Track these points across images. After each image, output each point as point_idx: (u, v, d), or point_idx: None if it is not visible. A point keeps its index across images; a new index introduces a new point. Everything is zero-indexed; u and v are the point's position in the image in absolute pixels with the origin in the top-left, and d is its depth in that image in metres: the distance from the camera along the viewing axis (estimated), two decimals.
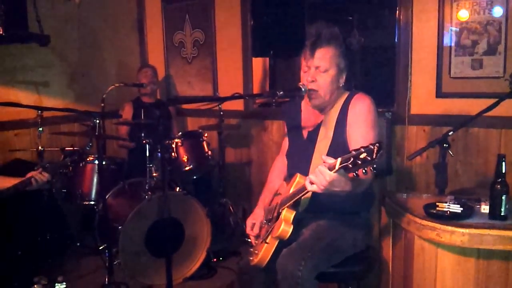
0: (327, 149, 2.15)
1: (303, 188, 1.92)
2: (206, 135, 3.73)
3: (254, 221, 2.33)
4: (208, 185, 4.22)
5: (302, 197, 2.00)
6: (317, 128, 2.25)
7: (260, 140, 4.23)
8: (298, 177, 2.13)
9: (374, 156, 1.61)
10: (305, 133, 2.31)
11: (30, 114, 3.32)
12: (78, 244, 3.76)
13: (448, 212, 2.16)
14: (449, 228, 2.04)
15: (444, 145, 2.46)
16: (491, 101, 2.49)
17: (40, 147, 3.23)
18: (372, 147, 1.62)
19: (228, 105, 3.99)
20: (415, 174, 3.40)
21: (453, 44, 3.17)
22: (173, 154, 3.54)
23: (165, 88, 4.76)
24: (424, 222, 2.13)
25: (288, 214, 2.06)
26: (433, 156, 3.17)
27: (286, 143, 2.46)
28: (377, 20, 4.83)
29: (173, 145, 3.56)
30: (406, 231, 2.33)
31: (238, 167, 4.36)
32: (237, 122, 4.30)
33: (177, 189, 3.34)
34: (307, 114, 2.34)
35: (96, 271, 3.39)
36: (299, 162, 2.26)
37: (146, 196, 3.15)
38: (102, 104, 3.69)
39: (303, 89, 2.14)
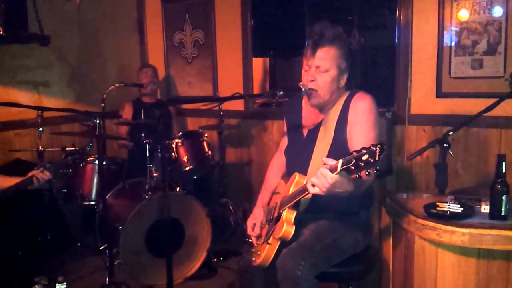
0: (328, 149, 2.15)
1: (304, 189, 1.92)
2: (206, 135, 3.73)
3: (255, 222, 2.33)
4: (209, 185, 4.22)
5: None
6: (317, 127, 2.24)
7: (260, 140, 4.23)
8: (298, 177, 2.13)
9: (376, 158, 1.60)
10: (305, 132, 2.31)
11: (31, 114, 3.32)
12: (79, 244, 3.76)
13: (449, 212, 2.16)
14: (450, 228, 2.04)
15: (444, 145, 2.46)
16: (491, 101, 2.50)
17: (40, 147, 3.23)
18: (374, 148, 1.61)
19: (228, 105, 3.99)
20: (415, 174, 3.40)
21: (453, 44, 3.18)
22: (173, 154, 3.55)
23: (165, 88, 4.77)
24: (425, 222, 2.13)
25: (289, 215, 2.06)
26: (433, 156, 3.17)
27: (285, 140, 2.45)
28: (377, 20, 4.82)
29: (173, 145, 3.56)
30: (406, 231, 2.33)
31: (238, 167, 4.36)
32: (237, 122, 4.30)
33: (178, 189, 3.34)
34: (308, 112, 2.33)
35: (96, 271, 3.39)
36: (298, 160, 2.26)
37: (147, 196, 3.15)
38: (103, 104, 3.69)
39: (303, 89, 2.13)
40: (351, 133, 2.13)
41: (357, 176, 1.68)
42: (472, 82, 3.14)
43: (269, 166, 2.53)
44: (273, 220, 2.18)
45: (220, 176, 3.98)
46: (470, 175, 3.19)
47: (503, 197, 2.06)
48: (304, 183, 2.05)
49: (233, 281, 3.15)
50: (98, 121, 3.02)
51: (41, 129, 3.19)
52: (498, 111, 2.54)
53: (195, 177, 3.98)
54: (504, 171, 2.07)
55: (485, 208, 2.18)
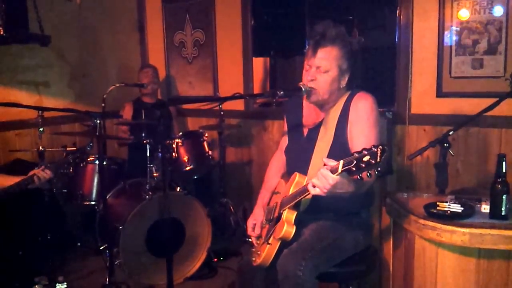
0: (328, 148, 2.14)
1: (304, 190, 1.91)
2: (206, 135, 3.73)
3: (255, 222, 2.32)
4: (209, 185, 4.22)
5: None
6: (317, 127, 2.23)
7: (261, 140, 4.23)
8: (298, 177, 2.13)
9: (378, 159, 1.60)
10: (305, 131, 2.30)
11: (31, 114, 3.32)
12: (79, 244, 3.76)
13: (449, 211, 2.16)
14: (450, 227, 2.04)
15: (445, 144, 2.46)
16: (492, 100, 2.49)
17: (40, 147, 3.23)
18: (375, 149, 1.61)
19: (228, 105, 3.99)
20: (416, 173, 3.39)
21: (453, 44, 3.17)
22: (173, 154, 3.55)
23: (166, 88, 4.76)
24: (425, 222, 2.13)
25: (289, 215, 2.06)
26: (433, 155, 3.17)
27: (285, 140, 2.44)
28: (378, 19, 4.82)
29: (174, 145, 3.56)
30: (406, 231, 2.33)
31: (238, 167, 4.36)
32: (237, 122, 4.30)
33: (178, 189, 3.34)
34: (308, 112, 2.33)
35: (96, 271, 3.39)
36: (298, 160, 2.25)
37: (147, 196, 3.15)
38: (103, 104, 3.69)
39: (303, 89, 2.12)
40: (352, 132, 2.12)
41: (359, 177, 1.68)
42: (473, 81, 3.13)
43: (269, 165, 2.53)
44: (273, 220, 2.18)
45: (221, 176, 3.98)
46: (471, 174, 3.19)
47: (504, 197, 2.06)
48: (305, 183, 2.06)
49: (233, 281, 3.15)
50: (98, 121, 3.02)
51: (41, 129, 3.19)
52: (498, 111, 2.53)
53: (195, 177, 3.99)
54: (504, 170, 2.07)
55: (485, 208, 2.18)
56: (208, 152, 3.70)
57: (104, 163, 3.23)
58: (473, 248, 2.06)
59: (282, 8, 4.83)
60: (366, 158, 1.62)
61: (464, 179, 3.20)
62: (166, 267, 2.21)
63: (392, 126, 3.42)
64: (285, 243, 2.07)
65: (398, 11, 3.38)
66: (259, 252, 2.19)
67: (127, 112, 4.09)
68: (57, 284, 2.91)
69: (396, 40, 3.43)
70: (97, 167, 3.42)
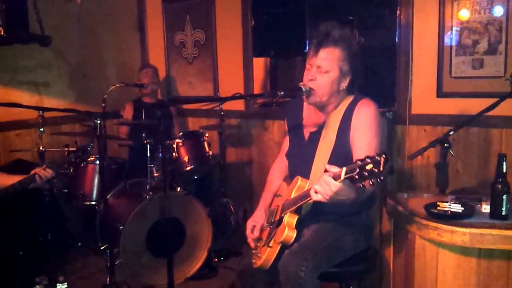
0: (329, 152, 2.13)
1: (306, 195, 1.91)
2: (207, 135, 3.73)
3: (255, 224, 2.32)
4: (209, 185, 4.22)
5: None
6: (318, 130, 2.22)
7: (261, 140, 4.23)
8: (300, 181, 2.13)
9: (381, 169, 1.59)
10: (306, 134, 2.29)
11: (31, 115, 3.32)
12: (79, 244, 3.76)
13: (449, 211, 2.16)
14: (450, 227, 2.04)
15: (445, 144, 2.46)
16: (492, 100, 2.50)
17: (41, 148, 3.23)
18: (378, 158, 1.60)
19: (228, 105, 3.99)
20: (416, 174, 3.39)
21: (453, 44, 3.18)
22: (174, 154, 3.54)
23: (166, 88, 4.77)
24: (425, 222, 2.13)
25: (291, 219, 2.06)
26: (434, 156, 3.17)
27: (286, 143, 2.43)
28: (378, 19, 4.82)
29: (174, 145, 3.56)
30: (407, 231, 2.34)
31: (239, 167, 4.36)
32: (238, 122, 4.30)
33: (178, 189, 3.34)
34: (308, 113, 2.32)
35: (97, 271, 3.39)
36: (300, 164, 2.24)
37: (147, 196, 3.16)
38: (103, 105, 3.69)
39: (303, 89, 2.10)
40: (354, 140, 2.10)
41: (361, 185, 1.67)
42: (473, 81, 3.14)
43: (272, 168, 2.52)
44: (275, 223, 2.17)
45: (221, 176, 3.98)
46: (471, 175, 3.19)
47: (504, 197, 2.07)
48: (306, 187, 2.07)
49: (233, 281, 3.15)
50: (98, 121, 3.02)
51: (42, 129, 3.19)
52: (498, 111, 2.54)
53: (195, 177, 3.98)
54: (504, 170, 2.07)
55: (485, 208, 2.18)
56: (208, 152, 3.70)
57: (105, 163, 3.23)
58: (474, 248, 2.06)
59: (282, 8, 4.82)
60: (369, 167, 1.61)
61: (464, 179, 3.20)
62: (167, 267, 2.21)
63: (392, 126, 3.42)
64: (285, 246, 2.08)
65: (398, 11, 3.39)
66: (259, 255, 2.19)
67: (128, 112, 4.10)
68: (58, 284, 2.92)
69: (396, 40, 3.43)
70: (97, 167, 3.42)
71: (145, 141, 3.39)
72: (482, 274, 2.10)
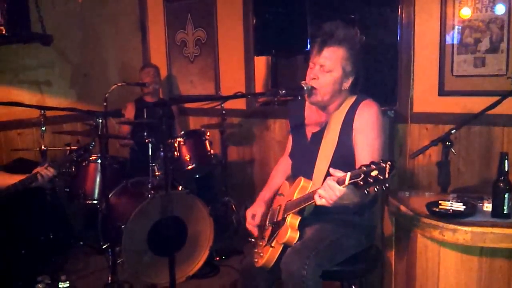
0: (332, 153, 2.13)
1: (310, 198, 1.91)
2: (208, 134, 3.73)
3: (255, 213, 2.32)
4: (211, 184, 4.22)
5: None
6: (321, 130, 2.22)
7: (262, 139, 4.23)
8: (303, 181, 2.13)
9: (386, 176, 1.58)
10: (308, 134, 2.29)
11: (33, 114, 3.33)
12: (81, 243, 3.77)
13: (451, 210, 2.16)
14: (452, 226, 2.04)
15: (447, 143, 2.46)
16: (494, 99, 2.49)
17: (43, 147, 3.24)
18: (384, 165, 1.59)
19: (230, 104, 3.99)
20: (418, 172, 3.39)
21: (455, 42, 3.17)
22: (175, 153, 3.55)
23: (168, 87, 4.77)
24: (427, 221, 2.13)
25: (293, 221, 2.07)
26: (435, 154, 3.17)
27: (290, 143, 2.44)
28: (379, 18, 4.82)
29: (176, 144, 3.56)
30: (409, 230, 2.33)
31: (240, 165, 4.36)
32: (239, 121, 4.30)
33: (180, 188, 3.34)
34: (310, 112, 2.32)
35: (99, 270, 3.40)
36: (303, 164, 2.24)
37: (149, 195, 3.16)
38: (105, 104, 3.70)
39: (305, 88, 2.10)
40: (356, 141, 2.10)
41: (366, 191, 1.67)
42: (475, 80, 3.13)
43: (275, 166, 2.52)
44: (277, 223, 2.18)
45: (222, 175, 3.98)
46: (473, 173, 3.19)
47: (506, 195, 2.06)
48: (309, 188, 2.07)
49: (235, 280, 3.17)
50: (100, 121, 3.03)
51: (43, 128, 3.20)
52: (500, 109, 2.53)
53: (197, 176, 3.99)
54: (506, 169, 2.07)
55: (487, 207, 2.18)
56: (210, 151, 3.70)
57: (106, 162, 3.23)
58: (475, 247, 2.06)
59: (283, 7, 4.82)
60: (374, 173, 1.60)
61: (466, 177, 3.20)
62: (169, 265, 2.21)
63: (394, 125, 3.42)
64: (288, 246, 2.08)
65: (399, 9, 3.38)
66: (261, 254, 2.19)
67: (130, 112, 4.10)
68: (60, 283, 2.92)
69: (398, 38, 3.43)
70: (99, 166, 3.42)
71: (146, 140, 3.39)
72: (484, 272, 2.09)
